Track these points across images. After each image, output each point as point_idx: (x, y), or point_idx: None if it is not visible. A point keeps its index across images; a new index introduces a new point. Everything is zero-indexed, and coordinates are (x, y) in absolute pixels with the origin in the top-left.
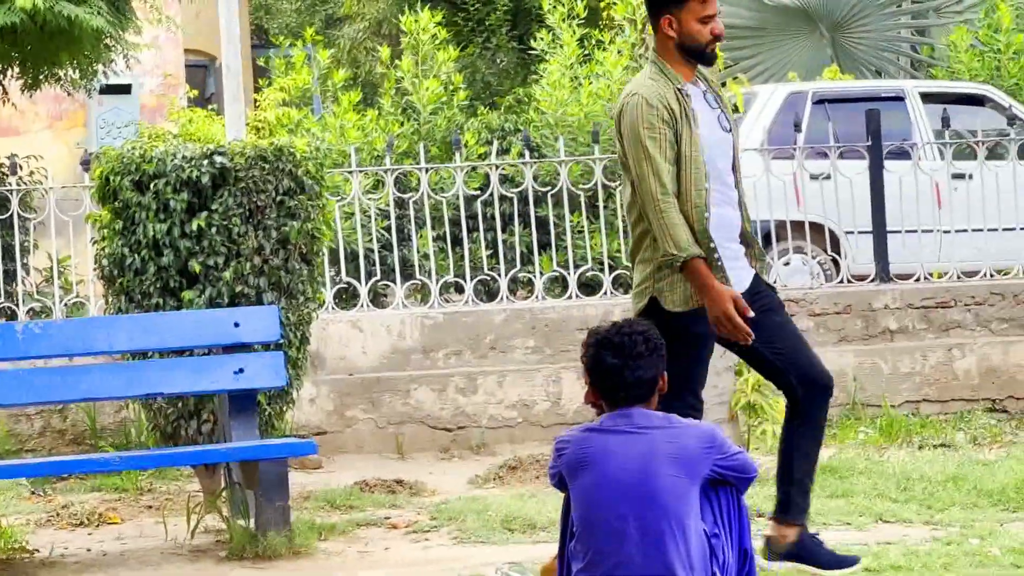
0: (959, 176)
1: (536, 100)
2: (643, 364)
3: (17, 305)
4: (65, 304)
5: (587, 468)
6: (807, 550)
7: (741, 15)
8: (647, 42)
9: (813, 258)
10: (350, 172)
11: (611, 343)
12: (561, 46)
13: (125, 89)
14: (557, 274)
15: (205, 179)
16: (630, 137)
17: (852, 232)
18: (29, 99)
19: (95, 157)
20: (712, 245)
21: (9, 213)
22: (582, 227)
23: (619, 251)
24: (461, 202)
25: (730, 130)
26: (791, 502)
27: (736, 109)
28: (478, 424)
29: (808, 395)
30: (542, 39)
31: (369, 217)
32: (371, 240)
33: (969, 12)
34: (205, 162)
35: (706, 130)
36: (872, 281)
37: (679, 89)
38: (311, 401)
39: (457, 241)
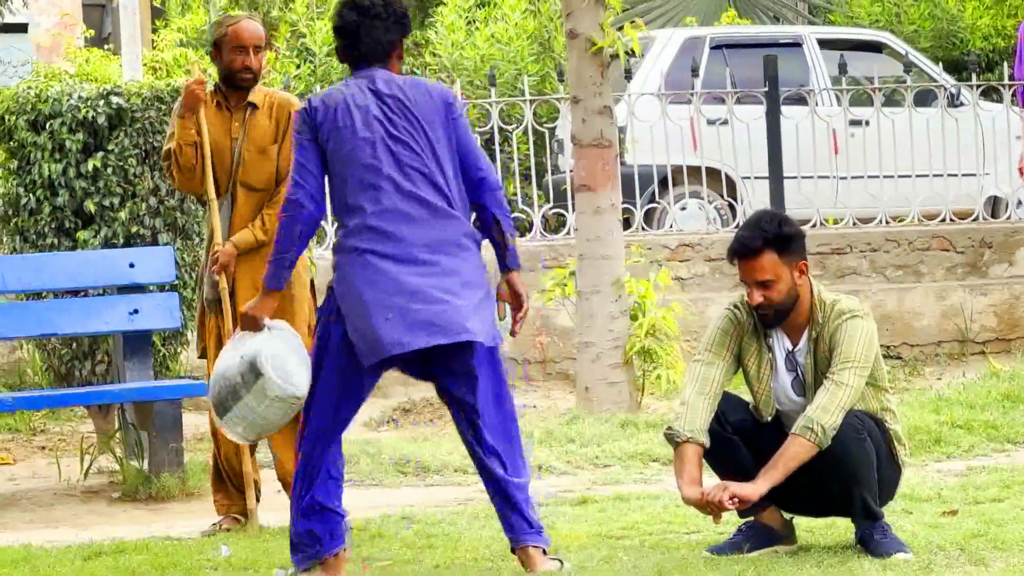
0: (856, 122)
1: (432, 43)
2: (379, 25)
3: None
4: None
5: (338, 126)
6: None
7: None
8: None
9: (710, 203)
10: None
11: (355, 3)
12: None
13: (21, 28)
14: None
15: (101, 119)
16: None
17: (749, 177)
18: None
19: None
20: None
21: None
22: None
23: (515, 194)
24: None
25: (803, 395)
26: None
27: (633, 53)
28: None
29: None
30: None
31: None
32: None
33: None
34: (101, 102)
35: (776, 387)
36: None
37: (765, 334)
38: None
39: None
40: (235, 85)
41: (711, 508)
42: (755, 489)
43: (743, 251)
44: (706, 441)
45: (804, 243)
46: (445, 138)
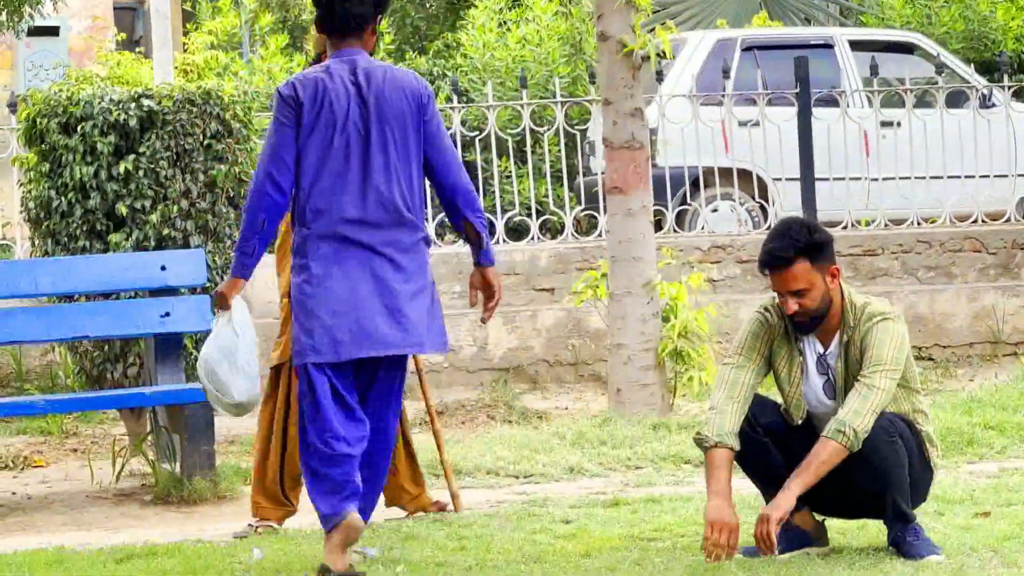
0: (887, 124)
1: (463, 45)
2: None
3: None
4: None
5: (319, 124)
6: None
7: None
8: None
9: (741, 204)
10: None
11: None
12: None
13: (53, 31)
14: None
15: (132, 122)
16: None
17: (780, 179)
18: None
19: (22, 99)
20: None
21: None
22: (510, 172)
23: (546, 196)
24: None
25: (834, 398)
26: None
27: (664, 55)
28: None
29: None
30: None
31: None
32: None
33: None
34: (133, 105)
35: (807, 390)
36: None
37: (796, 337)
38: None
39: None
40: None
41: (766, 545)
42: (788, 498)
43: (775, 262)
44: (735, 445)
45: (833, 248)
46: (415, 141)
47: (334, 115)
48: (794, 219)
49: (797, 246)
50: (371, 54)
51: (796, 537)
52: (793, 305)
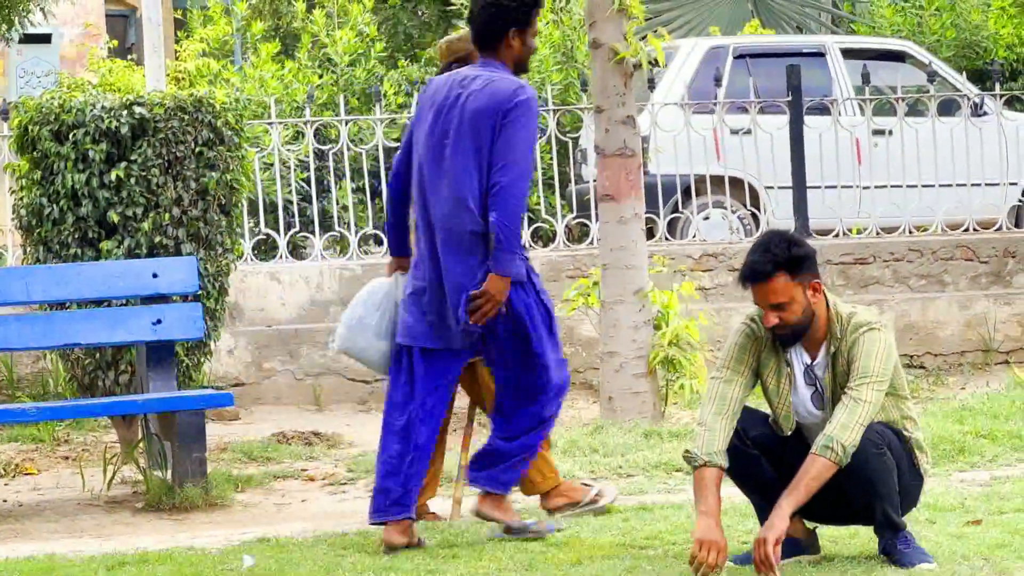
0: (879, 132)
1: None
2: (482, 16)
3: None
4: None
5: (415, 129)
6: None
7: None
8: None
9: (733, 213)
10: (269, 123)
11: None
12: None
13: (45, 39)
14: None
15: (124, 130)
16: None
17: (772, 187)
18: None
19: (14, 107)
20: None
21: None
22: None
23: (538, 204)
24: (380, 154)
25: (823, 408)
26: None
27: (657, 63)
28: None
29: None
30: None
31: (288, 168)
32: (290, 191)
33: None
34: (124, 113)
35: (795, 401)
36: None
37: (784, 348)
38: (229, 352)
39: (376, 193)
40: None
41: (765, 567)
42: (781, 518)
43: (754, 276)
44: (724, 463)
45: (816, 262)
46: (488, 142)
47: (432, 114)
48: (775, 232)
49: (776, 260)
50: (517, 67)
51: (788, 545)
52: (773, 318)
